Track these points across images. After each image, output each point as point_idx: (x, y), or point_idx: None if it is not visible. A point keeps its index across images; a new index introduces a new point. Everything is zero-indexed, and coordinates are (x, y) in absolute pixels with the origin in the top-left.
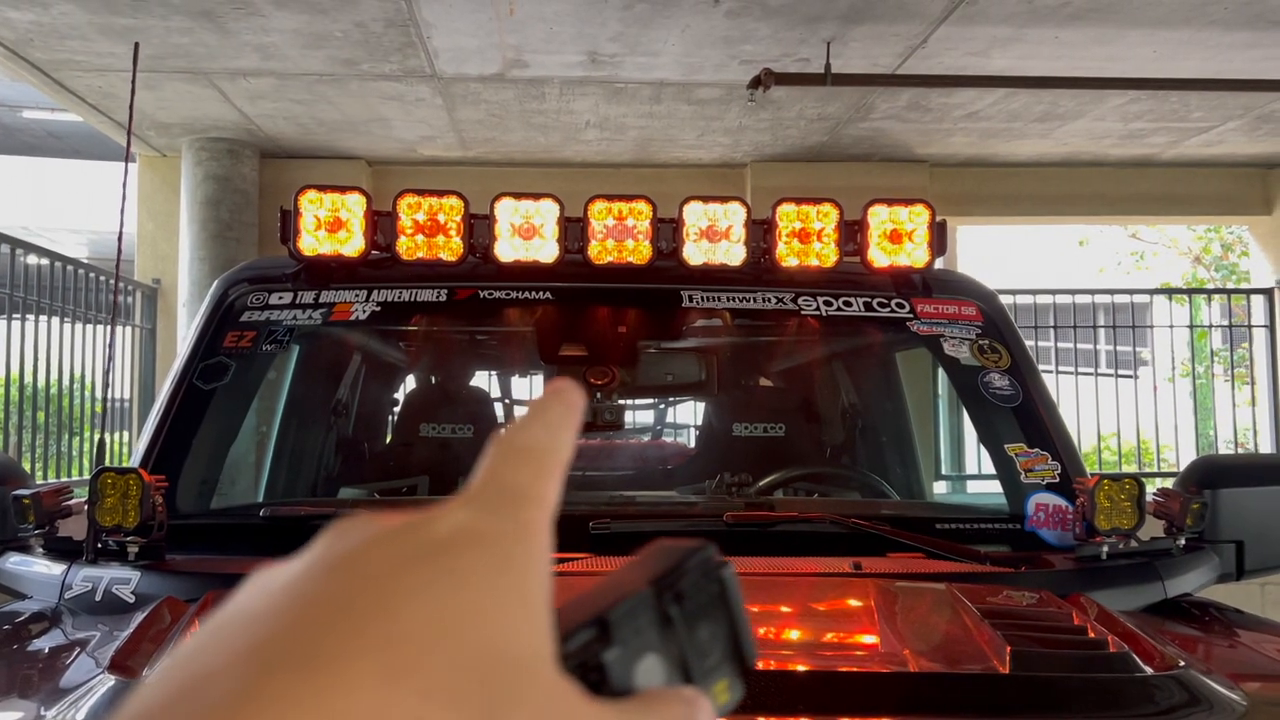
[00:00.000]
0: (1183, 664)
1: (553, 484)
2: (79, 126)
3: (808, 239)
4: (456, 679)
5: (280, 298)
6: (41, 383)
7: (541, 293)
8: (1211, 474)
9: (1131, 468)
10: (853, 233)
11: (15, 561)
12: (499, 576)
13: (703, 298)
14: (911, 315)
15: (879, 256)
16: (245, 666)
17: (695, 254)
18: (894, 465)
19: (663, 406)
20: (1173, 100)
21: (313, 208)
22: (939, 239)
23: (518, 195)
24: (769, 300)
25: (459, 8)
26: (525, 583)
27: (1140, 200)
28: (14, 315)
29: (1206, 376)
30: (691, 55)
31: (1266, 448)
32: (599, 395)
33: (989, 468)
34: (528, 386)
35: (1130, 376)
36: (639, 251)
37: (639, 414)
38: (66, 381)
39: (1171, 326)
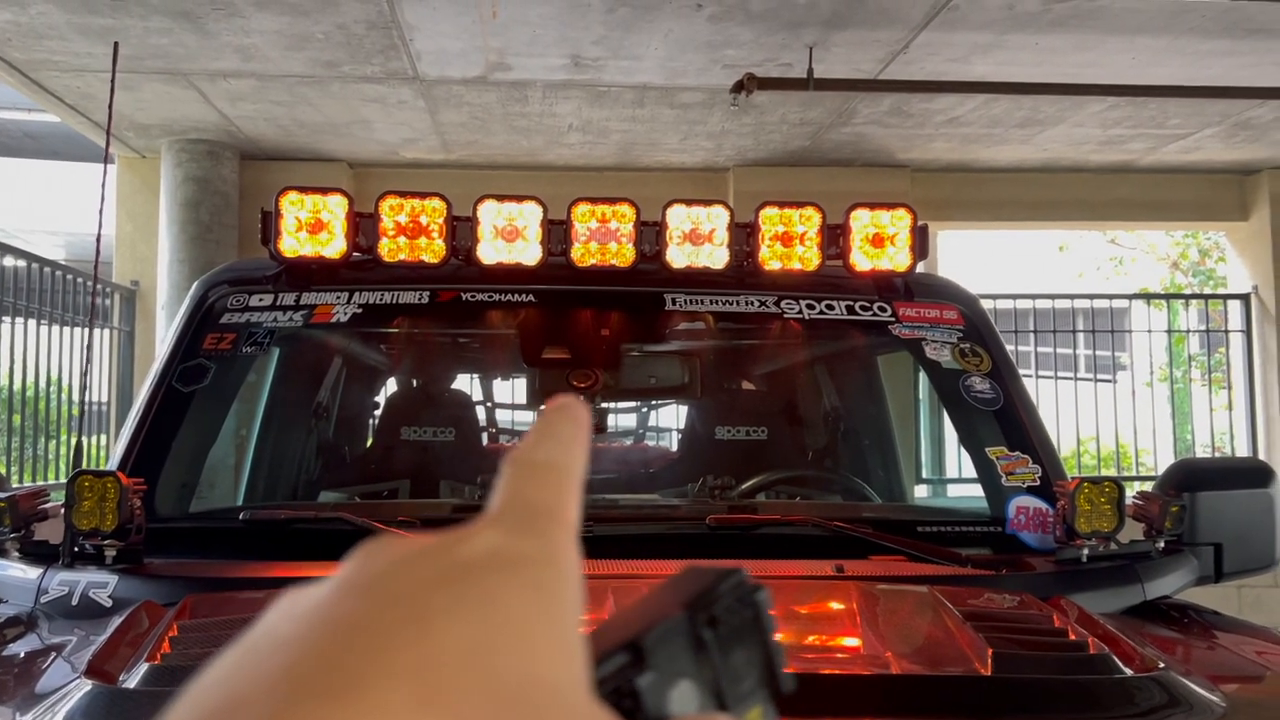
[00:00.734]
0: (1162, 665)
1: (574, 502)
2: (57, 127)
3: (790, 242)
4: (490, 705)
5: (260, 299)
6: (18, 386)
7: (524, 295)
8: (1190, 477)
9: (1111, 471)
10: (835, 237)
11: None
12: (531, 600)
13: (686, 301)
14: (893, 319)
15: (861, 260)
16: (275, 693)
17: (678, 257)
18: (876, 468)
19: (646, 410)
20: (1151, 107)
21: (294, 209)
22: (921, 243)
23: (500, 197)
24: (752, 303)
25: (442, 10)
26: (558, 606)
27: (1119, 206)
28: None
29: (1184, 381)
30: (674, 59)
31: (1243, 451)
32: (582, 398)
33: (970, 471)
34: (510, 389)
35: (1109, 381)
36: (622, 254)
37: (622, 417)
38: (44, 384)
39: (1150, 331)
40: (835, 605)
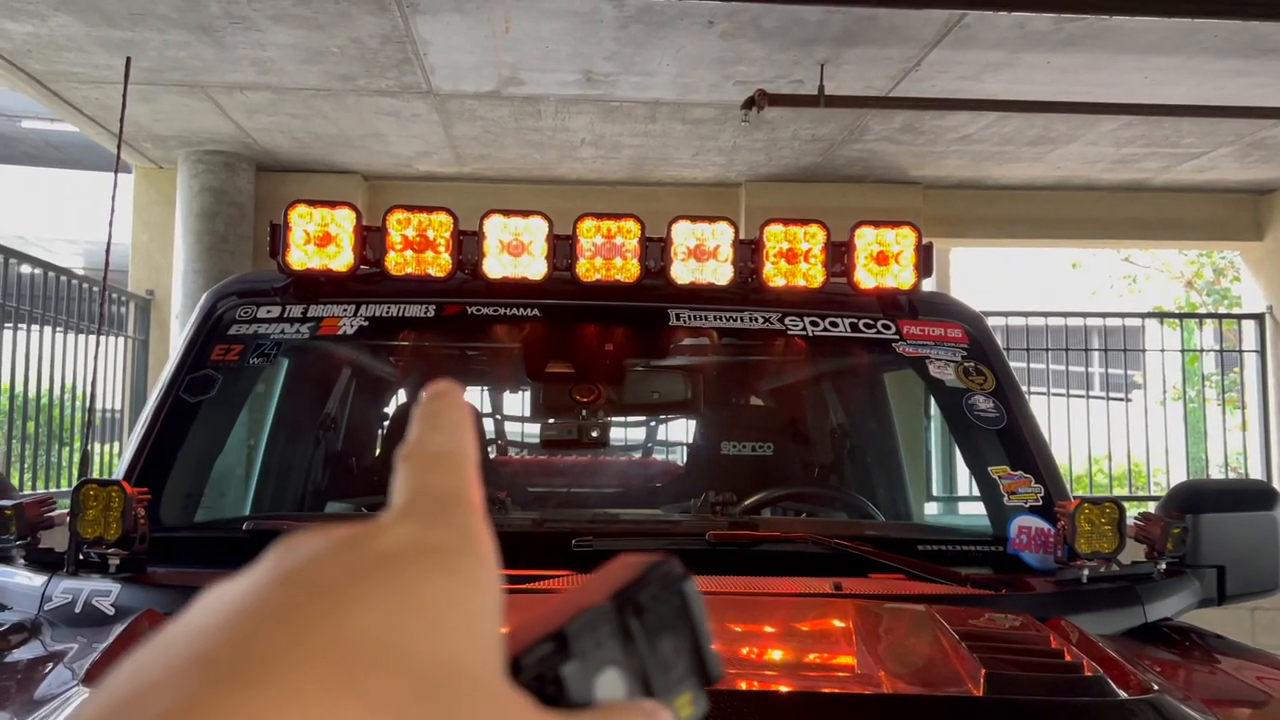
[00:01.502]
0: (1157, 689)
1: (476, 487)
2: (77, 137)
3: (795, 259)
4: (403, 691)
5: (268, 311)
6: (33, 393)
7: (529, 309)
8: (1193, 499)
9: (1123, 491)
10: (840, 254)
11: None
12: (446, 587)
13: (690, 316)
14: (897, 336)
15: (865, 278)
16: (187, 678)
17: (683, 273)
18: (881, 486)
19: (649, 424)
20: (1165, 126)
21: (302, 222)
22: (925, 261)
23: (507, 212)
24: (756, 320)
25: (455, 25)
26: (473, 593)
27: (1133, 225)
28: (6, 325)
29: (1199, 400)
30: (686, 75)
31: (1257, 473)
32: (584, 412)
33: (977, 490)
34: (515, 403)
35: (1123, 399)
36: (627, 269)
37: (624, 431)
38: (58, 392)
39: (1163, 350)
40: (833, 623)
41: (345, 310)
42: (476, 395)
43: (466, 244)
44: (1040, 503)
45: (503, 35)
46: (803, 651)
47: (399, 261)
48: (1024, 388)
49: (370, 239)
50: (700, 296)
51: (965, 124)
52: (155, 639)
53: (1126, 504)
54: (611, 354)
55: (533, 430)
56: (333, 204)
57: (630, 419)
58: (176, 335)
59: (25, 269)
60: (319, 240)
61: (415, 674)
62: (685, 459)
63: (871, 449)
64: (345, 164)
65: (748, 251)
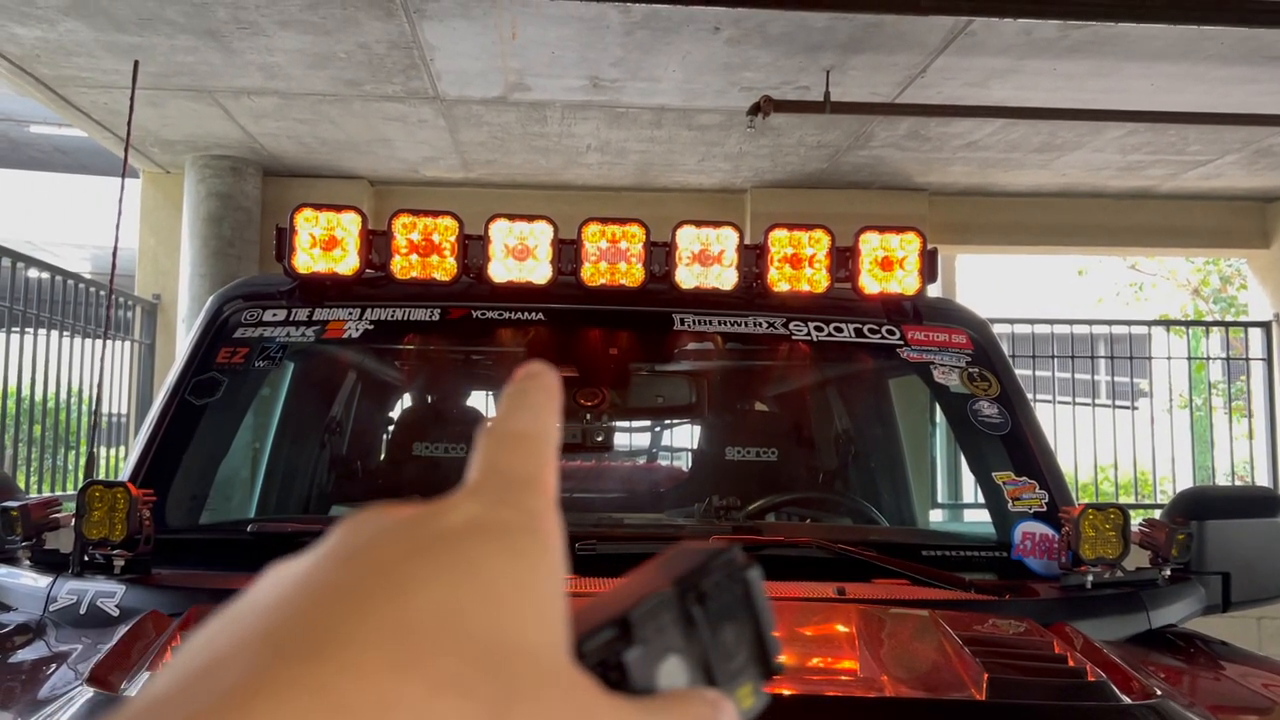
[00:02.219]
0: (1160, 694)
1: (551, 470)
2: (85, 142)
3: (799, 265)
4: (466, 669)
5: (274, 315)
6: (39, 397)
7: (534, 314)
8: (1198, 505)
9: (1129, 499)
10: (844, 259)
11: (1, 574)
12: (510, 566)
13: (694, 321)
14: (902, 342)
15: (870, 283)
16: (255, 653)
17: (687, 278)
18: (885, 491)
19: (654, 429)
20: (1171, 133)
21: (308, 226)
22: (930, 266)
23: (512, 216)
24: (760, 325)
25: (462, 31)
26: (537, 573)
27: (1139, 232)
28: (14, 329)
29: (1205, 409)
30: (692, 81)
31: (1263, 481)
32: (589, 416)
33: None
34: None
35: (1130, 407)
36: (631, 274)
37: (629, 436)
38: (64, 396)
39: (1170, 358)
40: (836, 627)
41: (350, 314)
42: (480, 400)
43: (472, 248)
44: (1044, 508)
45: (509, 41)
46: (806, 655)
47: (404, 265)
48: (1030, 395)
49: (376, 243)
50: (705, 301)
51: (971, 131)
52: (222, 615)
53: (1133, 512)
54: (616, 358)
55: None
56: (338, 208)
57: (635, 423)
58: (183, 339)
59: (33, 273)
60: (324, 244)
61: (479, 651)
62: (690, 464)
63: (876, 454)
64: (352, 169)
65: (752, 256)
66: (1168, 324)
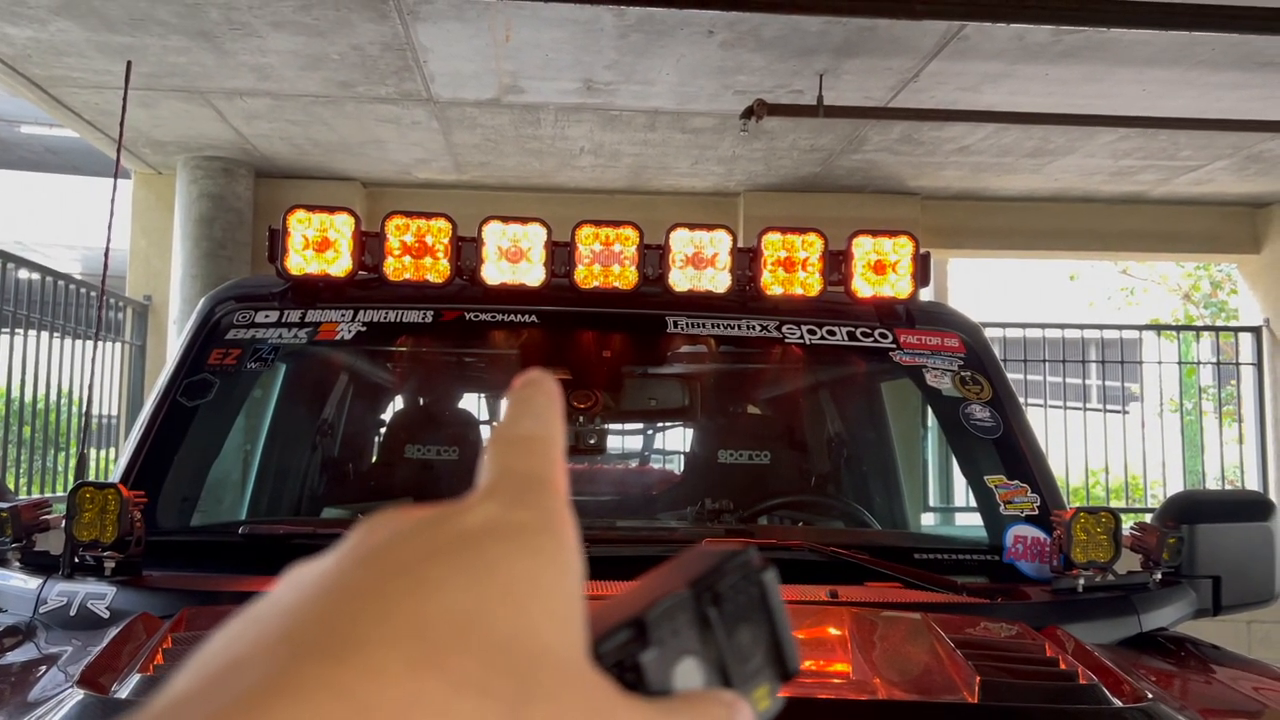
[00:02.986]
0: (1150, 697)
1: (562, 472)
2: (76, 142)
3: (792, 268)
4: (485, 669)
5: (266, 316)
6: (30, 398)
7: (527, 316)
8: (1189, 509)
9: (1120, 503)
10: (837, 263)
11: None
12: (529, 567)
13: (687, 324)
14: (894, 345)
15: (863, 286)
16: (275, 654)
17: (681, 280)
18: (877, 494)
19: (646, 432)
20: (1162, 138)
21: (301, 227)
22: (923, 270)
23: (505, 219)
24: (753, 328)
25: (455, 33)
26: (555, 573)
27: (1130, 237)
28: (4, 330)
29: (1196, 413)
30: (686, 85)
31: (1253, 485)
32: (582, 419)
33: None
34: None
35: (1120, 411)
36: (625, 277)
37: (622, 439)
38: (55, 397)
39: (1160, 363)
40: (828, 630)
41: (343, 315)
42: (473, 402)
43: (465, 250)
44: (1036, 512)
45: (503, 43)
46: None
47: (397, 267)
48: (1022, 400)
49: (369, 244)
50: (698, 304)
51: (963, 135)
52: (242, 616)
53: (1124, 516)
54: (609, 361)
55: None
56: (331, 209)
57: (628, 426)
58: (174, 340)
59: (23, 274)
60: (317, 245)
61: (498, 651)
62: (682, 467)
63: (868, 457)
64: (344, 171)
65: (745, 259)
66: (1159, 329)
